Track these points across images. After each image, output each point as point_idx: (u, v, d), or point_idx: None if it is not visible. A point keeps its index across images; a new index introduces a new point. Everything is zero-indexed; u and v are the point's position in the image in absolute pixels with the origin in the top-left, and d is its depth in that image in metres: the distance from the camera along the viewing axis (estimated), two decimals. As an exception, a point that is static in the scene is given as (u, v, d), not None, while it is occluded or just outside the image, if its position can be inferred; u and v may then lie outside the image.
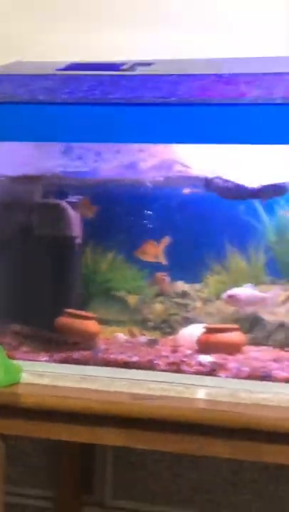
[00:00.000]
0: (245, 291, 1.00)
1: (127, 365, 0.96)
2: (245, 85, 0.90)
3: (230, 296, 1.01)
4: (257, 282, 1.06)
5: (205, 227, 1.05)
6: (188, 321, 1.06)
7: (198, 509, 1.14)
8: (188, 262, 1.06)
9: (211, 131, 0.91)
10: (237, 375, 0.93)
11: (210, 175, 1.02)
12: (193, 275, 1.07)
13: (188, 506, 1.14)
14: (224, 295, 1.01)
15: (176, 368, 0.94)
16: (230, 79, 0.91)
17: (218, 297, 1.06)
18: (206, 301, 1.07)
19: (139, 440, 0.91)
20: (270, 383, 0.91)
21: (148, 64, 0.98)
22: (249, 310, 0.98)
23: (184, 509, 1.15)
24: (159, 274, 1.05)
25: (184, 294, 1.08)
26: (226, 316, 1.06)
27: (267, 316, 1.04)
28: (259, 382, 0.91)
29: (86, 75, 0.99)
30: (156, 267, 1.06)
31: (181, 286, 1.08)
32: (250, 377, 0.93)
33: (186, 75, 0.92)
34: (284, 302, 1.04)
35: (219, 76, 0.91)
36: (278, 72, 0.90)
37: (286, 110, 0.88)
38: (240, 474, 1.11)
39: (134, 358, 0.97)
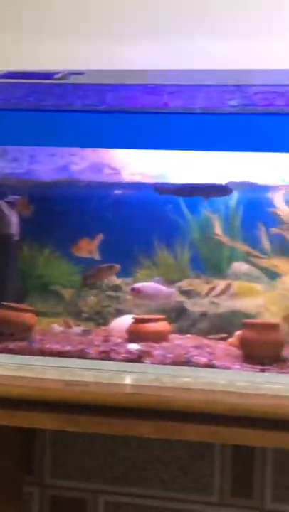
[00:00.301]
0: (148, 285, 1.03)
1: (60, 354, 0.98)
2: (168, 95, 0.92)
3: (133, 289, 1.03)
4: (182, 277, 1.10)
5: (135, 226, 1.08)
6: (119, 313, 1.09)
7: (131, 485, 1.17)
8: (120, 257, 1.09)
9: (135, 137, 0.93)
10: (162, 362, 0.96)
11: (138, 177, 1.05)
12: (124, 270, 1.09)
13: (121, 483, 1.17)
14: (129, 288, 1.03)
15: (106, 356, 0.97)
16: (155, 89, 0.93)
17: (147, 290, 1.10)
18: (136, 293, 1.10)
19: (72, 423, 0.93)
20: (191, 368, 0.95)
21: (80, 73, 1.00)
22: (153, 303, 1.01)
23: (118, 486, 1.17)
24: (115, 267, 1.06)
25: (116, 288, 1.10)
26: (154, 307, 1.09)
27: (191, 307, 1.08)
28: (181, 368, 0.95)
29: (21, 83, 0.99)
30: (90, 262, 1.08)
31: (113, 280, 1.10)
32: (174, 363, 0.96)
33: (113, 84, 0.94)
34: (207, 294, 1.08)
35: (144, 86, 0.93)
36: (198, 84, 0.93)
37: (204, 119, 0.92)
38: (170, 452, 1.15)
39: (68, 348, 0.99)
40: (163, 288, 1.02)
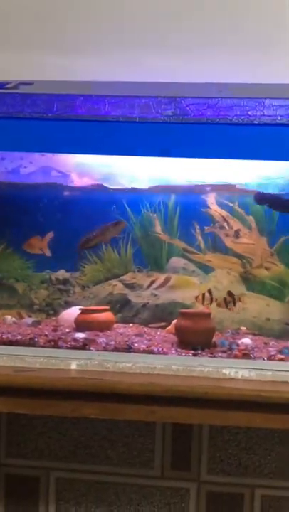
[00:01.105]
0: None
1: (11, 343, 0.99)
2: (109, 105, 0.94)
3: None
4: (126, 271, 1.12)
5: (83, 224, 1.09)
6: (69, 304, 1.10)
7: (80, 462, 1.18)
8: (69, 253, 1.10)
9: (80, 143, 0.95)
10: (105, 349, 0.98)
11: (85, 180, 1.06)
12: (73, 265, 1.10)
13: (71, 460, 1.18)
14: None
15: (53, 344, 0.98)
16: (98, 99, 0.95)
17: (94, 283, 1.11)
18: (84, 287, 1.11)
19: (22, 406, 0.93)
20: (131, 354, 0.97)
21: (29, 84, 1.00)
22: None
23: (68, 463, 1.19)
24: None
25: (65, 281, 1.11)
26: (100, 299, 1.10)
27: (134, 298, 1.10)
28: (122, 354, 0.97)
29: (-26, 91, 0.99)
30: (41, 258, 1.09)
31: (62, 274, 1.11)
32: (116, 349, 0.98)
33: (60, 94, 0.95)
34: (148, 286, 1.10)
35: (88, 96, 0.95)
36: (137, 95, 0.95)
37: (142, 127, 0.94)
38: (115, 431, 1.17)
39: (18, 337, 1.00)
40: None
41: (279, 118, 0.91)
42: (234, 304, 0.97)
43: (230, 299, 0.97)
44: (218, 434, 1.14)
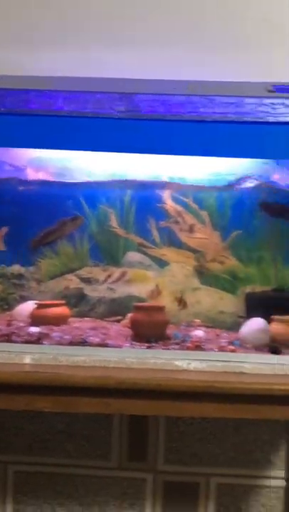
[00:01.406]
0: None
1: None
2: (62, 100, 0.94)
3: None
4: (82, 265, 1.12)
5: (39, 219, 1.09)
6: (24, 299, 1.10)
7: (38, 455, 1.19)
8: (24, 248, 1.10)
9: (33, 138, 0.95)
10: (59, 343, 0.98)
11: (40, 174, 1.06)
12: (28, 259, 1.10)
13: (28, 454, 1.18)
14: None
15: (7, 338, 0.98)
16: (51, 95, 0.95)
17: (50, 278, 1.11)
18: (39, 281, 1.11)
19: (-25, 401, 0.94)
20: (86, 348, 0.98)
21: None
22: None
23: (25, 456, 1.19)
24: None
25: (20, 276, 1.11)
26: (56, 293, 1.11)
27: (90, 293, 1.11)
28: (77, 347, 0.97)
29: None
30: (-5, 252, 1.09)
31: (17, 269, 1.11)
32: (71, 343, 0.98)
33: (12, 89, 0.95)
34: (104, 281, 1.11)
35: (41, 91, 0.95)
36: (90, 90, 0.95)
37: (94, 122, 0.94)
38: (72, 425, 1.18)
39: None
40: None
41: (229, 115, 0.93)
42: (184, 306, 1.00)
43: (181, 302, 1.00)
44: (173, 426, 1.17)
